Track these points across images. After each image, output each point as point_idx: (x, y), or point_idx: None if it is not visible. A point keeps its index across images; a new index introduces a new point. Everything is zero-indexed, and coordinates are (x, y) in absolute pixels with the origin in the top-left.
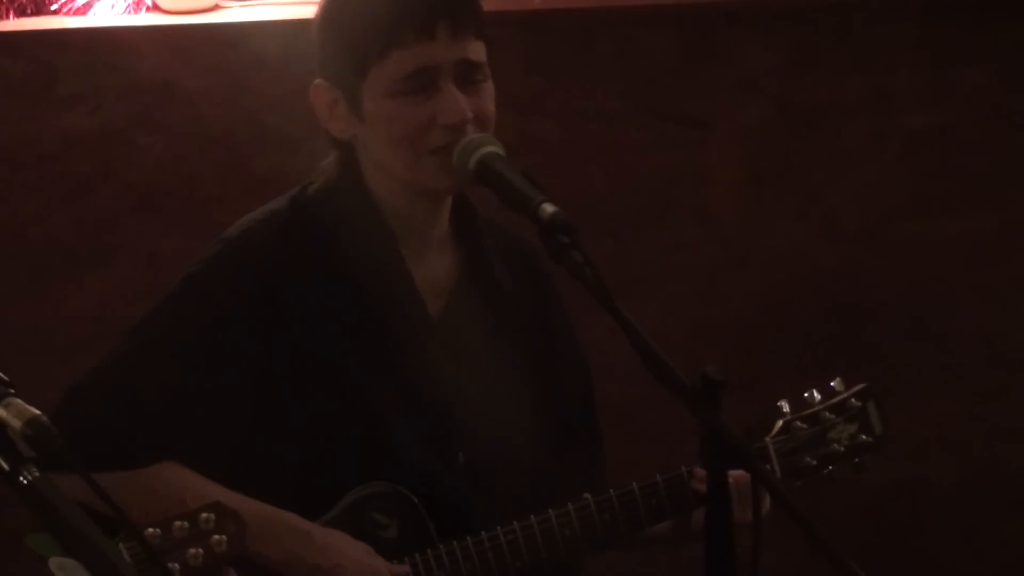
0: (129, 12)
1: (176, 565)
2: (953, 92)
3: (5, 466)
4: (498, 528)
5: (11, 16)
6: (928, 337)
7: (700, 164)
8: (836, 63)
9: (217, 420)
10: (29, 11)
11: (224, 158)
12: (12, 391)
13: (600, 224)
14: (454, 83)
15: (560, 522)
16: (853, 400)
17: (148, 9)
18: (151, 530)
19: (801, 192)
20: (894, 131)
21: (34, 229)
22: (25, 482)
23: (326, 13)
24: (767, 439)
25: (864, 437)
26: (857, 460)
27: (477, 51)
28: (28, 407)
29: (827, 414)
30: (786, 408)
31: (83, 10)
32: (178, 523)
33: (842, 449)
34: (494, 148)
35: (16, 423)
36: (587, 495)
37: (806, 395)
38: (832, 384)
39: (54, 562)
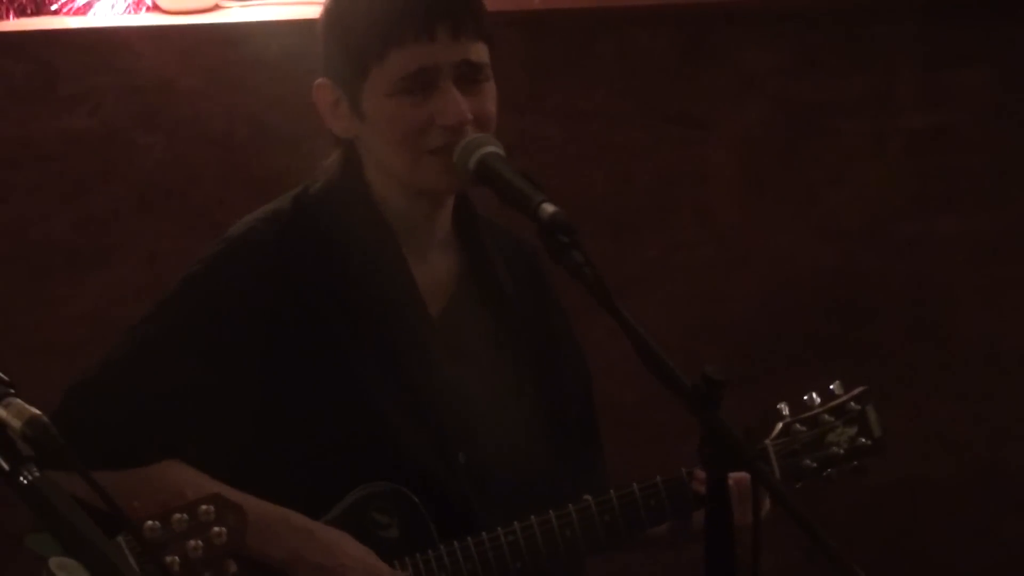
0: (129, 12)
1: (176, 558)
2: (953, 92)
3: (5, 466)
4: (499, 529)
5: (11, 16)
6: (928, 337)
7: (700, 164)
8: (836, 63)
9: (218, 419)
10: (29, 11)
11: (224, 158)
12: (12, 391)
13: (600, 224)
14: (455, 84)
15: (560, 523)
16: (852, 403)
17: (148, 9)
18: (150, 523)
19: (801, 192)
20: (894, 131)
21: (34, 229)
22: (25, 482)
23: (329, 13)
24: (767, 441)
25: (863, 440)
26: (856, 463)
27: (478, 52)
28: (28, 407)
29: (826, 417)
30: (786, 411)
31: (83, 10)
32: (177, 515)
33: (841, 452)
34: (494, 148)
35: (16, 423)
36: (587, 496)
37: (805, 398)
38: (831, 387)
39: (54, 562)
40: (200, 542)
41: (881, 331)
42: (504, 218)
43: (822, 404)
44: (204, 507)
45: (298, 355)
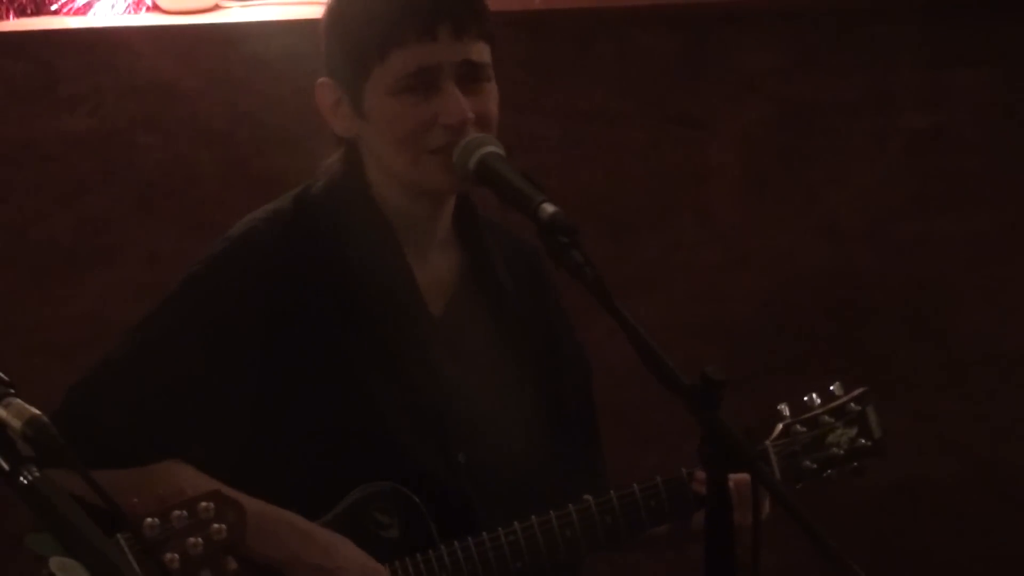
0: (129, 12)
1: (176, 555)
2: (953, 92)
3: (5, 466)
4: (499, 529)
5: (11, 16)
6: (928, 337)
7: (700, 164)
8: (836, 63)
9: (219, 419)
10: (29, 11)
11: (224, 158)
12: (12, 391)
13: (600, 224)
14: (456, 83)
15: (561, 523)
16: (852, 404)
17: (148, 9)
18: (149, 520)
19: (801, 192)
20: (894, 131)
21: (34, 229)
22: (25, 482)
23: (331, 13)
24: (767, 442)
25: (863, 441)
26: (856, 464)
27: (480, 52)
28: (28, 407)
29: (826, 418)
30: (786, 411)
31: (83, 10)
32: (177, 512)
33: (841, 453)
34: (494, 148)
35: (16, 423)
36: (588, 496)
37: (805, 399)
38: (832, 388)
39: (54, 562)
40: (200, 539)
41: (881, 331)
42: (504, 218)
43: (822, 405)
44: (203, 504)
45: (299, 355)
